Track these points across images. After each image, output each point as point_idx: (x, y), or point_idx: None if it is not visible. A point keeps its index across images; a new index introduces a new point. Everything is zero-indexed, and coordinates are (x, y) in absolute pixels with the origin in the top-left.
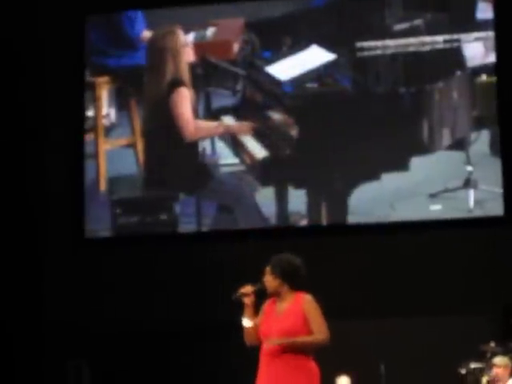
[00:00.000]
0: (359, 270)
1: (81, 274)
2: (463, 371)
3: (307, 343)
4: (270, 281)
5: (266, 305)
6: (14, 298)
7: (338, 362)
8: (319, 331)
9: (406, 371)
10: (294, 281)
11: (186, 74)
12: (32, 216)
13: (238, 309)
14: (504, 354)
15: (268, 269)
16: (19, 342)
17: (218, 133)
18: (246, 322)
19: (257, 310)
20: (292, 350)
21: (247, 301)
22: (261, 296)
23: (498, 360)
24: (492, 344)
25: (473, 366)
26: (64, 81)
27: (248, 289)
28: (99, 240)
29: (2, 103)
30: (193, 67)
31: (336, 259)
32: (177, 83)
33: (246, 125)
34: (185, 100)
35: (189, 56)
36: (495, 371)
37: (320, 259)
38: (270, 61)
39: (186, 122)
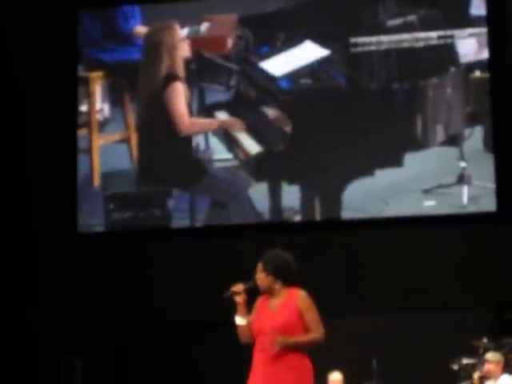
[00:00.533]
0: (353, 266)
1: (74, 268)
2: (455, 367)
3: (306, 343)
4: (262, 278)
5: (259, 301)
6: (7, 293)
7: (330, 358)
8: (317, 330)
9: (398, 367)
10: (287, 277)
11: (181, 70)
12: (25, 211)
13: (232, 305)
14: (496, 349)
15: (260, 266)
16: (12, 338)
17: (213, 128)
18: (239, 321)
19: (249, 307)
20: (288, 347)
21: (239, 299)
22: (253, 293)
23: (491, 356)
24: (484, 340)
25: (465, 361)
26: (57, 75)
27: (239, 287)
28: (92, 235)
29: None
30: (187, 63)
31: (329, 255)
32: (172, 78)
33: (239, 120)
34: (180, 95)
35: (184, 51)
36: (487, 367)
37: (313, 254)
38: (264, 56)
39: (180, 117)
